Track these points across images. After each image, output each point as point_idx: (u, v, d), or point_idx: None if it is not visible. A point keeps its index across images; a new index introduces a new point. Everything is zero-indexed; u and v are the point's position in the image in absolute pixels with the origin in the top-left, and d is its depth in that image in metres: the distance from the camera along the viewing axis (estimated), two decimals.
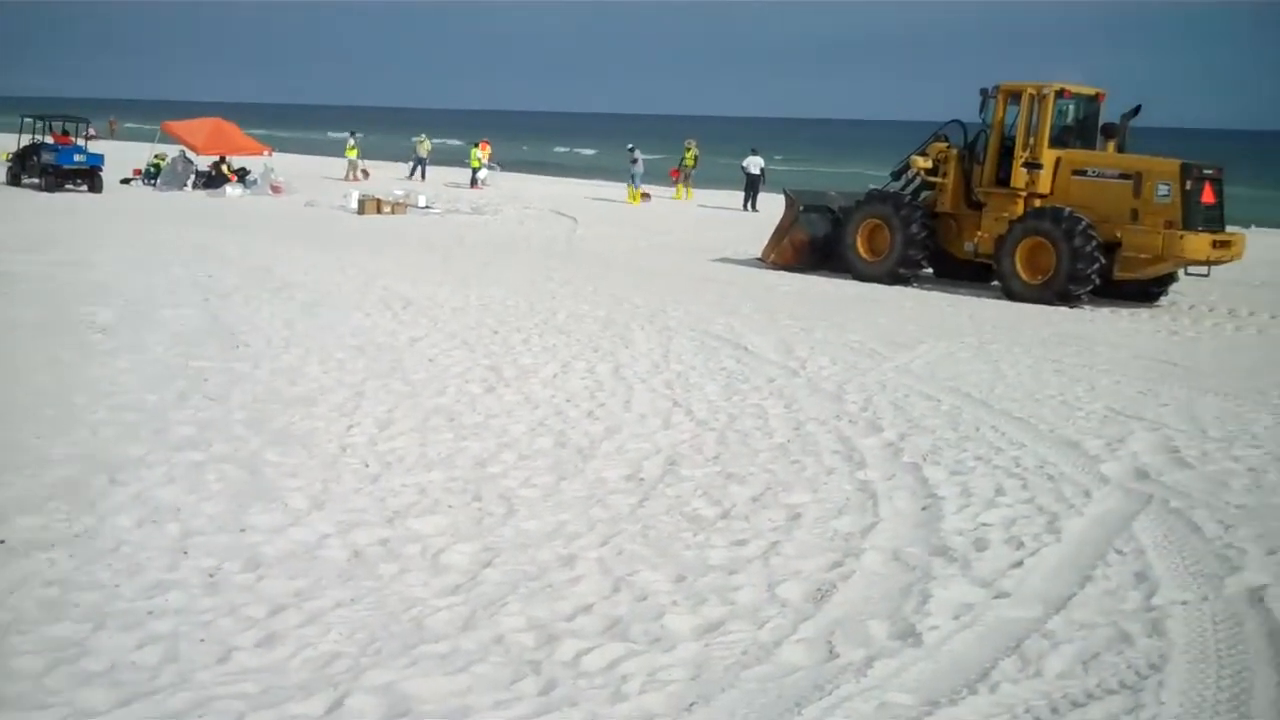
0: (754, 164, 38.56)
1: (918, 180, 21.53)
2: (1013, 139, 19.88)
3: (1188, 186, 18.26)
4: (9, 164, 35.23)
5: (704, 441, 9.32)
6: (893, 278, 20.70)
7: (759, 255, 23.23)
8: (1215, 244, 18.42)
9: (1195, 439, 9.80)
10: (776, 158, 46.75)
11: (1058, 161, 19.57)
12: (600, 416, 10.03)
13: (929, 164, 20.99)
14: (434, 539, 6.92)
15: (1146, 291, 19.37)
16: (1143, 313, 18.26)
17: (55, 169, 33.62)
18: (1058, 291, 18.64)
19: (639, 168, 39.79)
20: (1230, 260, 19.11)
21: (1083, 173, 19.38)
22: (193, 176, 37.53)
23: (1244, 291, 20.61)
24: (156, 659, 5.23)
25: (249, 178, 37.59)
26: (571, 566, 6.57)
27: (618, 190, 41.18)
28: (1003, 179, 19.97)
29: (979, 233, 20.26)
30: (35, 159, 34.03)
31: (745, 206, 37.44)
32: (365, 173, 46.12)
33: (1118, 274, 18.78)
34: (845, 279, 21.05)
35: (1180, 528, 7.47)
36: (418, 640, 5.52)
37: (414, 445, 8.93)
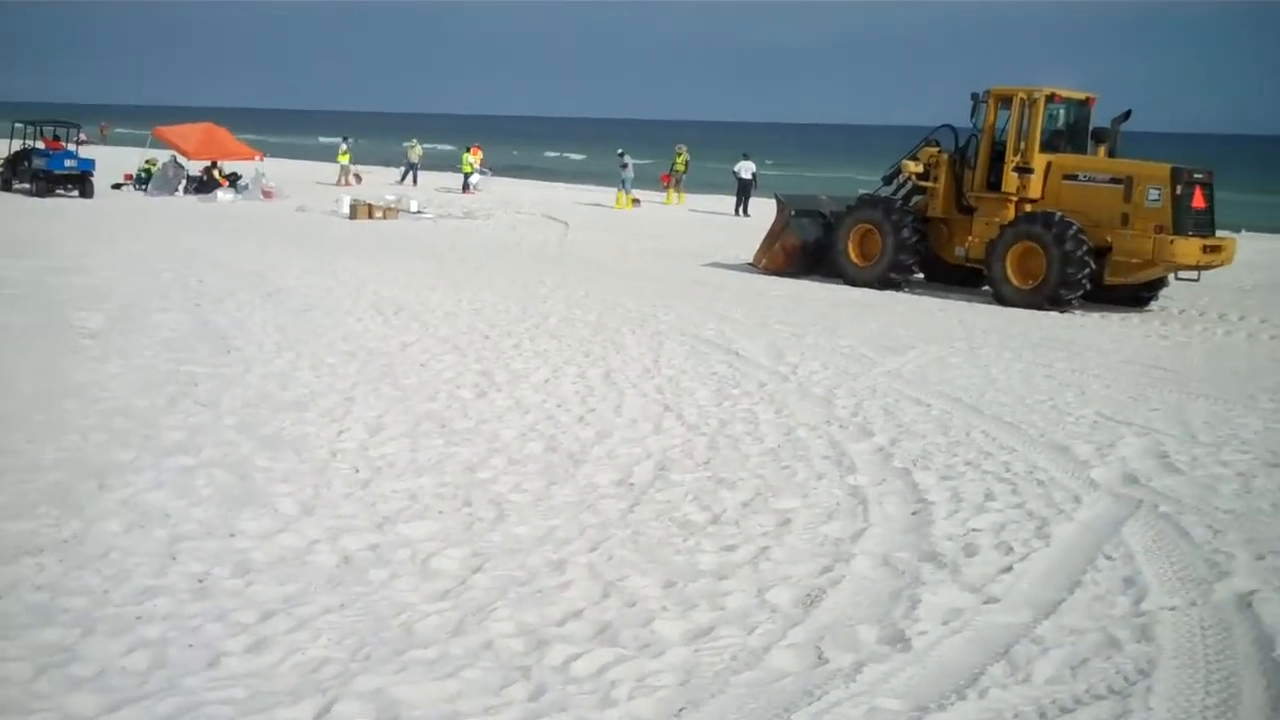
0: (745, 169, 38.58)
1: (909, 185, 21.57)
2: (1004, 144, 19.92)
3: (1178, 191, 18.31)
4: (0, 169, 35.16)
5: (695, 446, 9.32)
6: (884, 282, 20.72)
7: (750, 260, 23.25)
8: (1206, 249, 18.45)
9: (1185, 444, 9.83)
10: (767, 162, 46.73)
11: (1048, 166, 19.61)
12: (591, 421, 10.03)
13: (920, 169, 21.04)
14: (424, 544, 6.92)
15: (1137, 296, 19.41)
16: (1133, 317, 18.30)
17: (46, 174, 33.56)
18: (1048, 296, 18.68)
19: (629, 173, 39.78)
20: (1220, 265, 19.16)
21: (1073, 177, 19.42)
22: (184, 181, 37.49)
23: (1234, 296, 20.66)
24: (145, 664, 5.22)
25: (240, 183, 37.54)
26: (561, 572, 6.57)
27: (608, 195, 41.17)
28: (994, 184, 20.01)
29: (970, 237, 20.29)
30: (26, 164, 34.00)
31: (737, 211, 37.46)
32: (358, 177, 46.10)
33: (1108, 279, 18.82)
34: (836, 284, 21.07)
35: (1169, 533, 7.48)
36: (407, 646, 5.52)
37: (404, 450, 8.92)
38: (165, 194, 36.62)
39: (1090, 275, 18.59)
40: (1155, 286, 19.52)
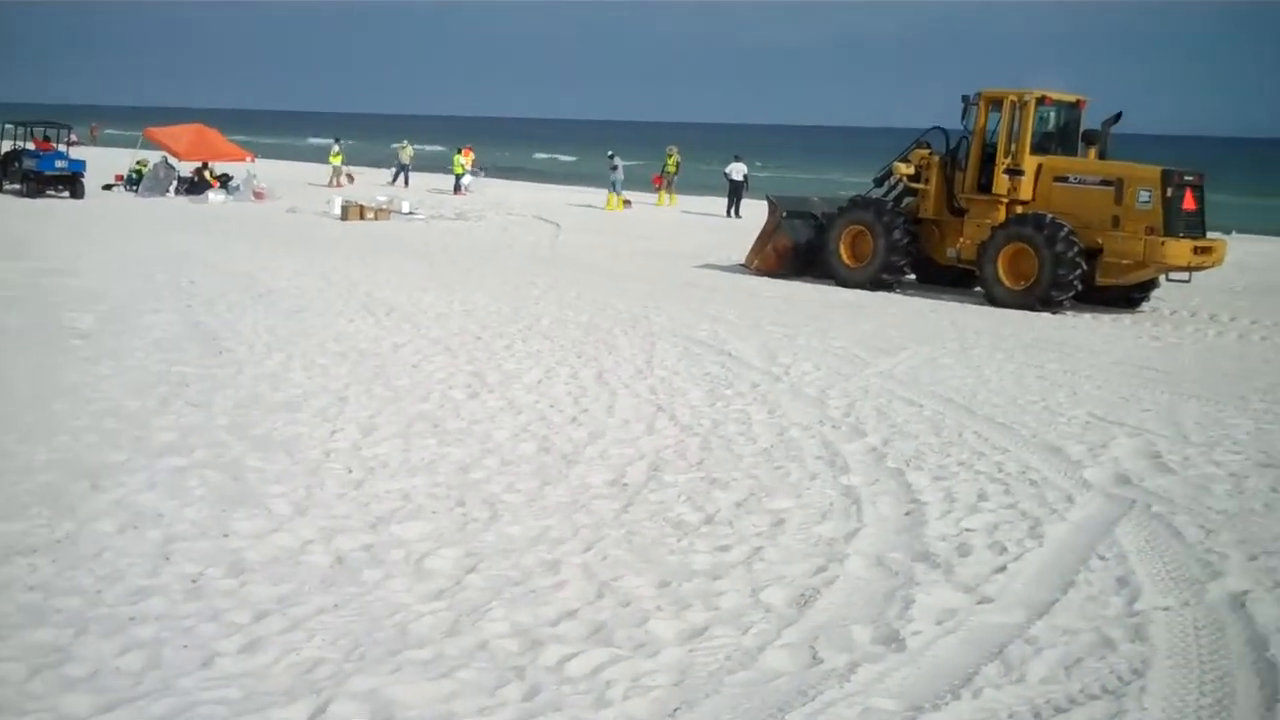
0: (737, 170, 38.62)
1: (900, 187, 21.61)
2: (994, 146, 19.96)
3: (1169, 193, 18.35)
4: None
5: (688, 447, 9.32)
6: (876, 284, 20.74)
7: (742, 261, 23.25)
8: (1196, 250, 18.50)
9: (1177, 444, 9.84)
10: (757, 164, 46.74)
11: (1039, 168, 19.65)
12: (584, 422, 10.02)
13: (911, 170, 21.08)
14: (417, 544, 6.91)
15: (1128, 297, 19.44)
16: (1124, 318, 18.34)
17: (37, 175, 33.50)
18: (1040, 297, 18.71)
19: (619, 174, 39.77)
20: (1211, 266, 19.20)
21: (1064, 179, 19.46)
22: (175, 182, 37.42)
23: (1225, 297, 20.71)
24: (139, 665, 5.21)
25: (231, 184, 37.47)
26: (555, 572, 6.56)
27: (600, 197, 41.16)
28: (985, 185, 20.04)
29: (961, 239, 20.32)
30: (17, 165, 33.92)
31: (728, 213, 37.47)
32: (350, 177, 46.08)
33: (1099, 280, 18.86)
34: (828, 285, 21.08)
35: (1162, 533, 7.49)
36: (401, 646, 5.51)
37: (397, 451, 8.91)
38: (156, 195, 36.55)
39: (1081, 276, 18.62)
40: (1146, 288, 19.57)
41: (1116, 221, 18.65)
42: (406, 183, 46.11)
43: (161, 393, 10.45)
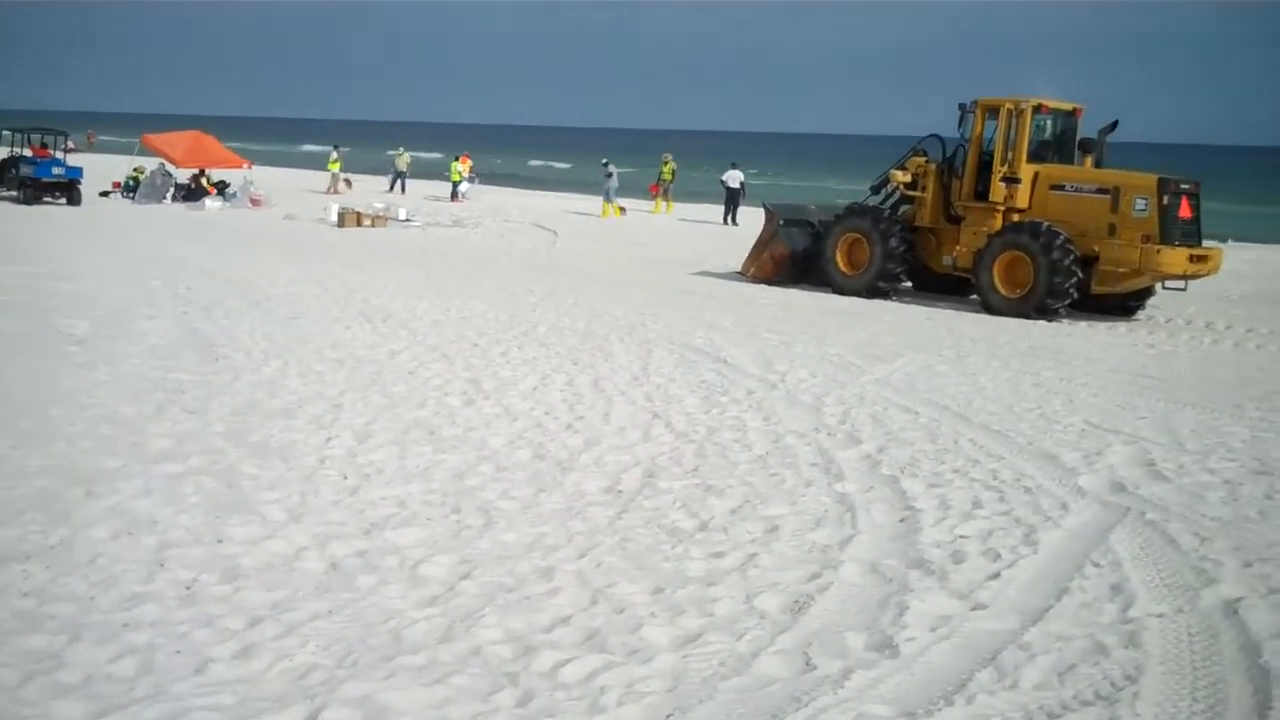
0: (733, 178, 38.65)
1: (897, 194, 21.65)
2: (991, 154, 20.00)
3: (1165, 201, 18.39)
4: None
5: (683, 454, 9.32)
6: (872, 291, 20.77)
7: (739, 269, 23.28)
8: (1192, 258, 18.52)
9: (1172, 452, 9.85)
10: (752, 171, 46.76)
11: (1035, 176, 19.69)
12: (579, 429, 10.03)
13: (908, 178, 21.12)
14: (412, 551, 6.91)
15: (1124, 305, 19.47)
16: (1120, 326, 18.35)
17: (34, 182, 33.56)
18: (1036, 305, 18.73)
19: (613, 182, 39.77)
20: (1207, 274, 19.24)
21: (1060, 187, 19.49)
22: (172, 189, 37.46)
23: (1221, 305, 20.74)
24: (133, 671, 5.21)
25: (228, 191, 37.53)
26: (550, 578, 6.56)
27: (596, 204, 41.17)
28: (981, 193, 20.08)
29: (957, 247, 20.36)
30: (13, 172, 33.97)
31: (725, 220, 37.49)
32: (348, 182, 46.15)
33: (1095, 288, 18.89)
34: (825, 292, 21.11)
35: (1157, 540, 7.50)
36: (395, 652, 5.51)
37: (393, 458, 8.91)
38: (153, 202, 36.59)
39: (1077, 284, 18.65)
40: (1142, 296, 19.60)
41: (1113, 229, 18.68)
42: (404, 190, 46.17)
43: (157, 399, 10.44)
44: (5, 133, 35.20)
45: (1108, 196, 18.83)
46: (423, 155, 68.86)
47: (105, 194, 37.55)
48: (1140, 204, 18.50)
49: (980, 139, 20.21)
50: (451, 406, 10.68)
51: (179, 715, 4.81)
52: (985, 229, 19.84)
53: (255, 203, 36.70)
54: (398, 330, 14.65)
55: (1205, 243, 19.52)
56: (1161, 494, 8.57)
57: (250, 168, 40.50)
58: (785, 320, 17.25)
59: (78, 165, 35.30)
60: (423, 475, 8.49)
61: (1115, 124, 20.25)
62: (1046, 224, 18.88)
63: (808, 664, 5.53)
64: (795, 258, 22.21)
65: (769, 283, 21.98)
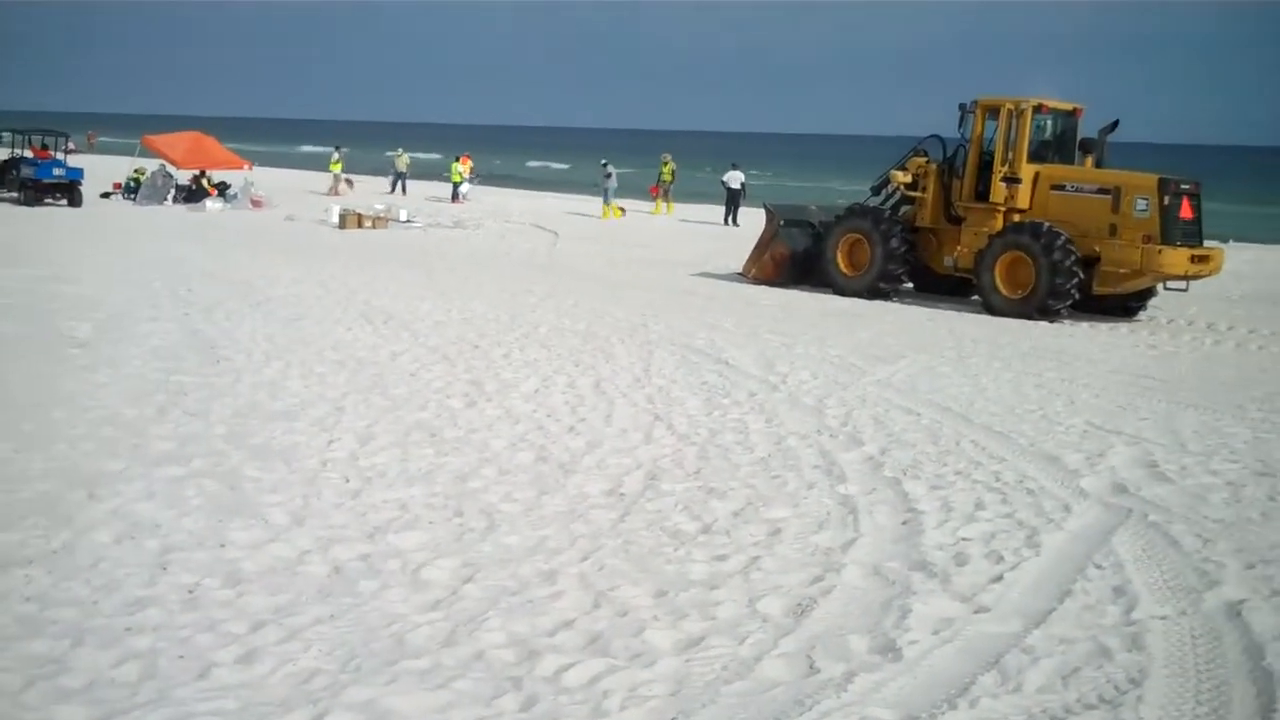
0: (734, 179, 38.64)
1: (898, 195, 21.64)
2: (991, 154, 19.99)
3: (1166, 201, 18.38)
4: None
5: (685, 456, 9.32)
6: (873, 292, 20.76)
7: (740, 270, 23.28)
8: (1193, 259, 18.52)
9: (1174, 453, 9.85)
10: (753, 172, 46.76)
11: (1036, 176, 19.68)
12: (581, 431, 10.02)
13: (908, 179, 21.11)
14: (414, 554, 6.91)
15: (1125, 306, 19.46)
16: (1121, 327, 18.35)
17: (34, 183, 33.57)
18: (1037, 306, 18.73)
19: (612, 182, 39.73)
20: (1208, 275, 19.23)
21: (1061, 187, 19.49)
22: (173, 190, 37.45)
23: (1222, 306, 20.73)
24: (135, 675, 5.20)
25: (229, 192, 37.53)
26: (552, 582, 6.56)
27: (596, 205, 41.17)
28: (982, 194, 20.08)
29: (958, 247, 20.35)
30: (14, 173, 33.96)
31: (726, 221, 37.48)
32: (349, 182, 46.17)
33: (1097, 289, 18.88)
34: (826, 293, 21.11)
35: (1159, 542, 7.49)
36: (398, 656, 5.51)
37: (395, 460, 8.91)
38: (154, 203, 36.60)
39: (1078, 285, 18.64)
40: (1144, 296, 19.60)
41: (1114, 230, 18.67)
42: (404, 191, 46.18)
43: (159, 401, 10.44)
44: (6, 134, 35.21)
45: (1109, 197, 18.82)
46: (422, 156, 68.84)
47: (106, 195, 37.56)
48: (1141, 204, 18.49)
49: (981, 139, 20.20)
50: (453, 408, 10.67)
51: None
52: (986, 229, 19.83)
53: (256, 204, 36.71)
54: (399, 332, 14.65)
55: (1206, 243, 19.51)
56: (1164, 495, 8.56)
57: (251, 169, 40.51)
58: (786, 321, 17.24)
59: (78, 166, 35.29)
60: (425, 478, 8.49)
61: (1116, 124, 20.24)
62: (1048, 224, 18.88)
63: (810, 667, 5.53)
64: (796, 259, 22.20)
65: (770, 284, 21.98)
